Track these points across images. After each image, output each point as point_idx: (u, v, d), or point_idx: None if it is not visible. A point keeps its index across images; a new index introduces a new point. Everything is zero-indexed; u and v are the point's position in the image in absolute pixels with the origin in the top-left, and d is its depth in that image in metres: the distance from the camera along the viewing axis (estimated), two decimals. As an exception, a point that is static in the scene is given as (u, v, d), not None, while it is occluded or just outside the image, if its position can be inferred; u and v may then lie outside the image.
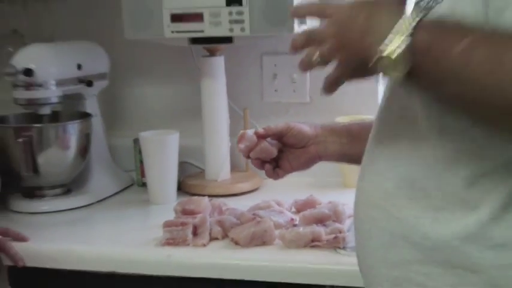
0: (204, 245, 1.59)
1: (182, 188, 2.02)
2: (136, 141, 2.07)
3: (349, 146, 1.54)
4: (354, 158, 1.49)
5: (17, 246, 1.65)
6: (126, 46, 2.08)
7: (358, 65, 1.01)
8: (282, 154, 1.56)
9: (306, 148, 1.54)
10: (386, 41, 0.93)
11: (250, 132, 1.52)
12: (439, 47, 0.92)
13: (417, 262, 1.07)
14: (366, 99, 2.05)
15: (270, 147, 1.52)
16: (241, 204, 1.77)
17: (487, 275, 0.99)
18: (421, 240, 1.06)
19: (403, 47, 0.92)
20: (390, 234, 1.11)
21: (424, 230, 1.05)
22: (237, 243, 1.59)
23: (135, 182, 2.13)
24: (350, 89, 2.04)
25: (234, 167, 2.07)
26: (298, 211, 1.74)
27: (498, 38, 0.91)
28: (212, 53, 1.99)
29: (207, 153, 2.03)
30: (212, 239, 1.62)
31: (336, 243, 1.55)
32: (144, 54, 2.21)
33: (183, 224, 1.63)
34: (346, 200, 1.69)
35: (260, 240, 1.58)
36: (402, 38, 0.92)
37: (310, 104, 2.13)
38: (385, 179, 1.13)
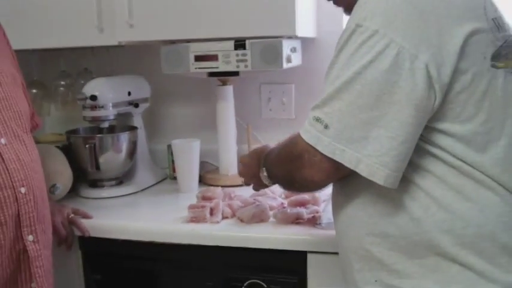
0: (218, 222, 1.61)
1: (202, 181, 2.03)
2: (169, 146, 2.09)
3: None
4: None
5: (84, 222, 1.67)
6: (163, 78, 2.10)
7: (261, 182, 1.35)
8: None
9: None
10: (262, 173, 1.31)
11: None
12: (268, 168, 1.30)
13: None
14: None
15: None
16: (246, 192, 1.77)
17: None
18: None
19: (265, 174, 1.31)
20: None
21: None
22: (242, 220, 1.60)
23: (168, 176, 2.14)
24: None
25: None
26: (286, 197, 1.75)
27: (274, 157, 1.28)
28: (224, 83, 2.00)
29: (221, 155, 2.04)
30: (224, 217, 1.64)
31: (314, 220, 1.56)
32: (175, 84, 2.22)
33: (202, 206, 1.64)
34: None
35: (259, 218, 1.60)
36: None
37: (295, 120, 2.15)
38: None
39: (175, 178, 2.06)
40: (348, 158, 1.04)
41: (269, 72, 2.07)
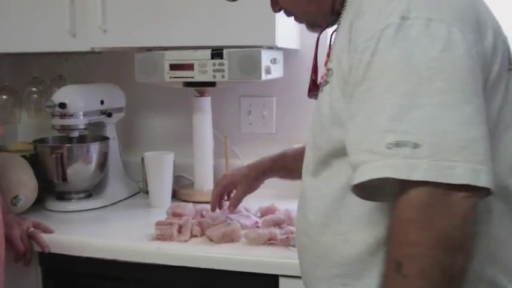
0: (186, 241, 1.50)
1: (176, 196, 1.93)
2: (143, 158, 1.99)
3: (286, 177, 1.54)
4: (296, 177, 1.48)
5: (45, 237, 1.56)
6: (139, 88, 2.01)
7: None
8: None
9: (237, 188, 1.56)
10: None
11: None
12: None
13: (337, 276, 0.99)
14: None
15: None
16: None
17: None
18: (338, 258, 0.98)
19: None
20: (316, 256, 1.03)
21: (339, 250, 0.98)
22: (211, 240, 1.50)
23: (142, 190, 2.04)
24: (305, 121, 2.01)
25: (216, 181, 1.95)
26: (261, 215, 1.65)
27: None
28: (201, 94, 1.91)
29: (196, 170, 1.94)
30: (193, 236, 1.53)
31: (287, 242, 1.46)
32: (152, 94, 2.12)
33: (170, 223, 1.54)
34: None
35: (229, 238, 1.50)
36: None
37: (275, 134, 2.05)
38: (308, 211, 1.05)
39: (148, 192, 1.96)
40: (460, 174, 0.77)
41: (249, 83, 1.99)
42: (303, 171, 1.10)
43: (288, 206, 1.68)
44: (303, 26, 1.90)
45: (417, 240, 0.76)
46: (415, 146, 0.78)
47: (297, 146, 1.88)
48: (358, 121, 0.85)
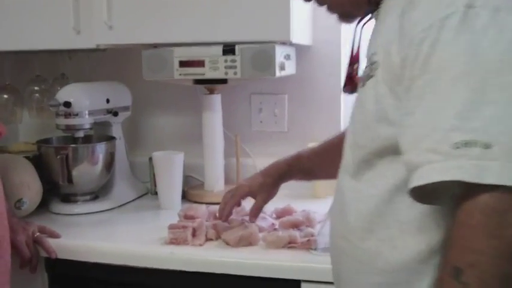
0: (201, 245, 1.43)
1: (186, 197, 1.85)
2: (151, 158, 1.92)
3: (304, 178, 1.50)
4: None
5: (51, 242, 1.49)
6: (145, 86, 1.95)
7: None
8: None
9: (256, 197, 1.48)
10: None
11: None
12: None
13: (381, 284, 0.91)
14: (331, 128, 1.91)
15: None
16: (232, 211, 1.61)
17: None
18: (383, 265, 0.90)
19: None
20: (357, 262, 0.95)
21: (384, 256, 0.90)
22: (227, 243, 1.43)
23: (149, 191, 1.96)
24: (318, 119, 1.95)
25: (227, 181, 1.90)
26: (277, 217, 1.58)
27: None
28: (211, 92, 1.84)
29: (206, 170, 1.87)
30: (208, 239, 1.46)
31: (308, 245, 1.39)
32: (159, 92, 2.05)
33: (184, 226, 1.47)
34: (316, 208, 1.59)
35: (247, 241, 1.43)
36: None
37: (287, 133, 1.98)
38: (348, 214, 0.97)
39: (157, 193, 1.89)
40: None
41: (260, 81, 1.92)
42: (340, 171, 1.04)
43: (304, 206, 1.62)
44: (316, 21, 1.88)
45: (483, 249, 0.70)
46: (486, 146, 0.71)
47: (311, 145, 1.83)
48: (418, 118, 0.78)
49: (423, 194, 0.78)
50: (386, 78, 0.87)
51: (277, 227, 1.52)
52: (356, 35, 1.13)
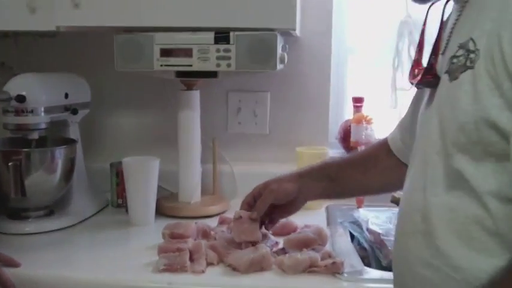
0: (203, 272, 1.17)
1: (158, 210, 1.56)
2: (113, 165, 1.63)
3: (328, 188, 1.23)
4: (333, 195, 1.29)
5: (9, 272, 1.17)
6: (103, 78, 1.67)
7: None
8: (272, 209, 1.23)
9: (293, 201, 1.22)
10: None
11: (245, 216, 1.21)
12: None
13: None
14: (316, 132, 1.73)
15: (257, 232, 1.22)
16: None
17: None
18: None
19: None
20: None
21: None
22: (235, 269, 1.18)
23: (110, 203, 1.67)
24: (304, 121, 1.74)
25: (203, 191, 1.64)
26: (275, 234, 1.34)
27: None
28: (189, 87, 1.57)
29: (182, 178, 1.60)
30: (208, 264, 1.20)
31: (334, 269, 1.16)
32: (120, 86, 1.76)
33: (179, 249, 1.21)
34: (310, 221, 1.41)
35: (258, 266, 1.18)
36: None
37: (269, 136, 1.76)
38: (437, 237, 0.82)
39: (120, 206, 1.63)
40: None
41: (238, 76, 1.68)
42: (423, 185, 0.85)
43: (305, 220, 1.40)
44: (304, 9, 1.66)
45: None
46: None
47: (298, 149, 1.63)
48: None
49: None
50: (491, 72, 0.74)
51: (280, 246, 1.29)
52: (427, 19, 0.96)
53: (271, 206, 1.21)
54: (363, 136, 1.59)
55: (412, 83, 0.96)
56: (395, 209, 1.47)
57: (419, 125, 0.96)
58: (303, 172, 1.24)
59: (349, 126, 1.70)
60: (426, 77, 0.89)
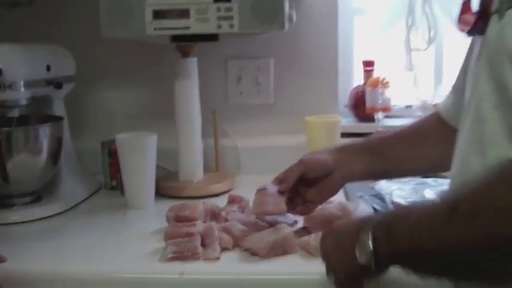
0: (218, 258, 1.03)
1: (156, 191, 1.41)
2: (104, 144, 1.48)
3: (372, 163, 1.08)
4: (378, 173, 1.10)
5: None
6: (87, 49, 1.52)
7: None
8: (307, 188, 1.08)
9: (330, 176, 1.06)
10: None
11: (271, 188, 1.05)
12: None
13: None
14: (325, 99, 1.59)
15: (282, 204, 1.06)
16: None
17: None
18: None
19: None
20: None
21: None
22: (254, 253, 1.03)
23: (103, 186, 1.52)
24: (310, 88, 1.59)
25: (204, 168, 1.50)
26: (298, 212, 1.19)
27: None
28: (185, 55, 1.42)
29: (182, 155, 1.46)
30: (222, 249, 1.06)
31: (365, 250, 1.02)
32: (106, 57, 1.60)
33: (189, 234, 1.06)
34: None
35: (280, 249, 1.04)
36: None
37: (273, 105, 1.62)
38: None
39: (113, 188, 1.49)
40: None
41: (238, 41, 1.53)
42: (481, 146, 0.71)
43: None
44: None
45: None
46: None
47: (307, 118, 1.48)
48: None
49: None
50: None
51: (303, 225, 1.15)
52: None
53: (303, 189, 1.07)
54: (380, 101, 1.45)
55: (463, 31, 0.81)
56: (418, 180, 1.36)
57: (470, 81, 0.82)
58: (341, 146, 1.11)
59: (361, 92, 1.57)
60: (480, 22, 0.75)
